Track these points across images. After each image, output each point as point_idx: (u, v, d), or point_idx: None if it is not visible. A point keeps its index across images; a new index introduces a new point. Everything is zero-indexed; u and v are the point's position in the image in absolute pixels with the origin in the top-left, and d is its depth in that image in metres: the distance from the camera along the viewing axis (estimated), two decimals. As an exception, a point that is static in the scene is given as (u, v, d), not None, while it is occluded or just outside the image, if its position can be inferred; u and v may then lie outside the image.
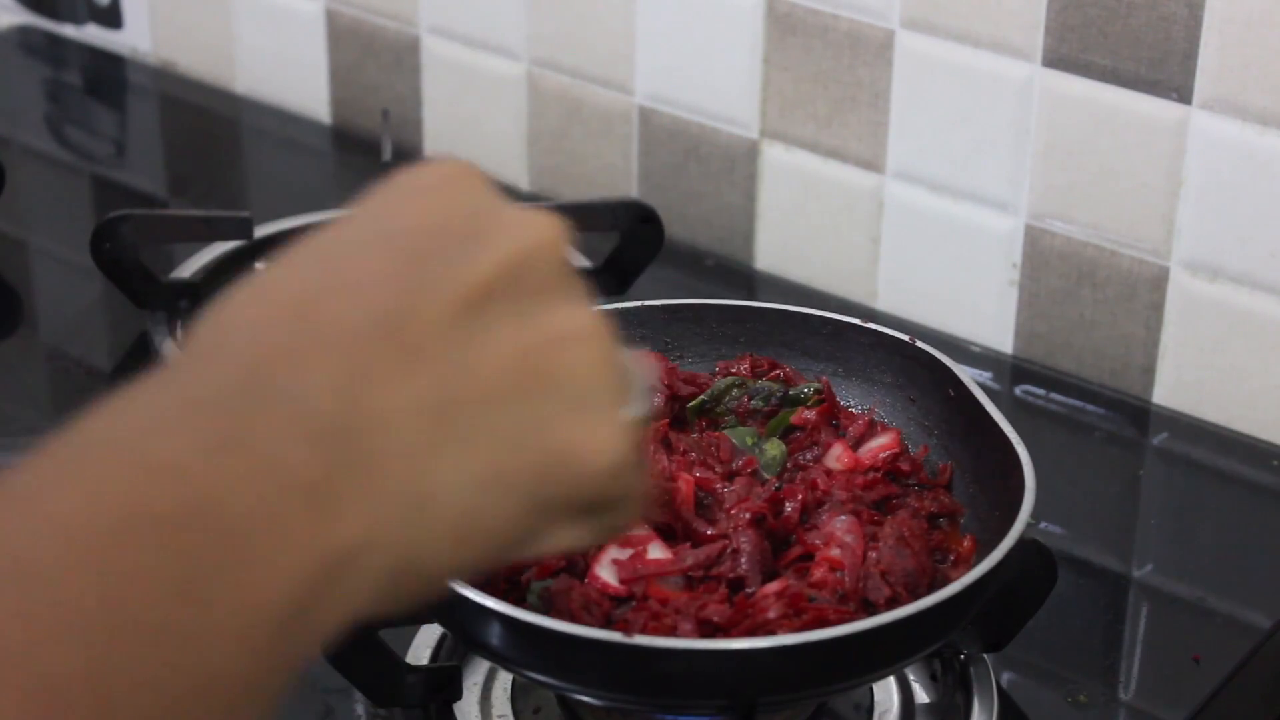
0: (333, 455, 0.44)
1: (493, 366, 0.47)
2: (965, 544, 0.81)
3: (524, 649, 0.73)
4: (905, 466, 0.84)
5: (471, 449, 0.47)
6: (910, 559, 0.77)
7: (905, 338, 0.88)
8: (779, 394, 0.87)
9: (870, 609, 0.75)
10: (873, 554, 0.77)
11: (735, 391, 0.87)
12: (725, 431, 0.85)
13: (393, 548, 0.45)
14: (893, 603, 0.75)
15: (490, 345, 0.47)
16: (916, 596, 0.75)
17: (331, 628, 0.45)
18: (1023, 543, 0.79)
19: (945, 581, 0.77)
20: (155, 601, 0.40)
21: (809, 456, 0.85)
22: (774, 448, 0.84)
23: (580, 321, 0.49)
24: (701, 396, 0.87)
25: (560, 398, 0.48)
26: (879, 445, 0.85)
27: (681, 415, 0.87)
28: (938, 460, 0.86)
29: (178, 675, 0.40)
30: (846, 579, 0.76)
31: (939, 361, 0.87)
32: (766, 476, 0.83)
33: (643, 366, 0.54)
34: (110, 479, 0.42)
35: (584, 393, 0.49)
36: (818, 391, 0.87)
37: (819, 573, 0.77)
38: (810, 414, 0.86)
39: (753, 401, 0.87)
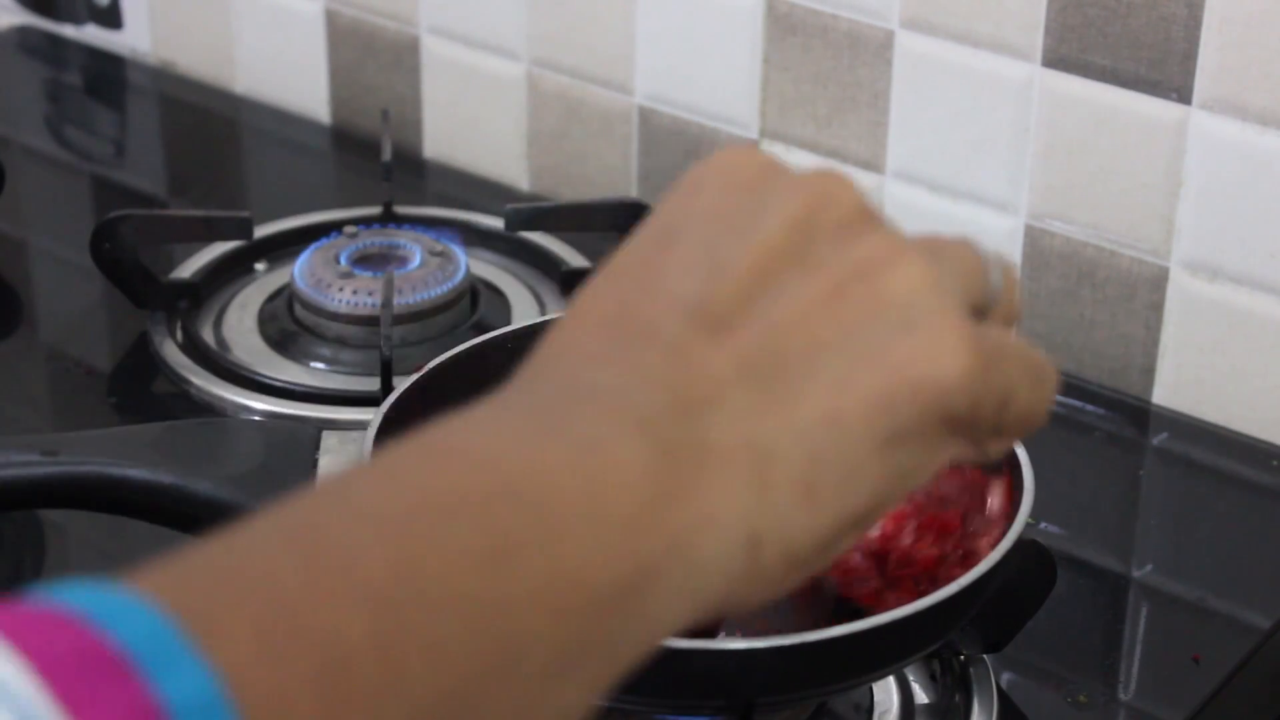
0: (659, 441, 0.44)
1: (804, 315, 0.47)
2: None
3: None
4: None
5: (801, 399, 0.46)
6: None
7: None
8: None
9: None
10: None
11: None
12: None
13: (738, 522, 0.44)
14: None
15: (797, 298, 0.47)
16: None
17: (678, 615, 0.44)
18: (1022, 543, 0.79)
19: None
20: (452, 570, 0.40)
21: None
22: None
23: (883, 248, 0.48)
24: None
25: (881, 324, 0.47)
26: None
27: None
28: None
29: (476, 642, 0.39)
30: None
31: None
32: None
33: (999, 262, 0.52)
34: (419, 470, 0.42)
35: (907, 311, 0.47)
36: None
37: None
38: None
39: None
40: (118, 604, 0.37)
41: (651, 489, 0.43)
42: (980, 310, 0.51)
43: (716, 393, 0.45)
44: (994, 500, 0.80)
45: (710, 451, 0.44)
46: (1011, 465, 0.80)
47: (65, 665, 0.35)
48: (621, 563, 0.42)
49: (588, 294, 0.49)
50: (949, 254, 0.50)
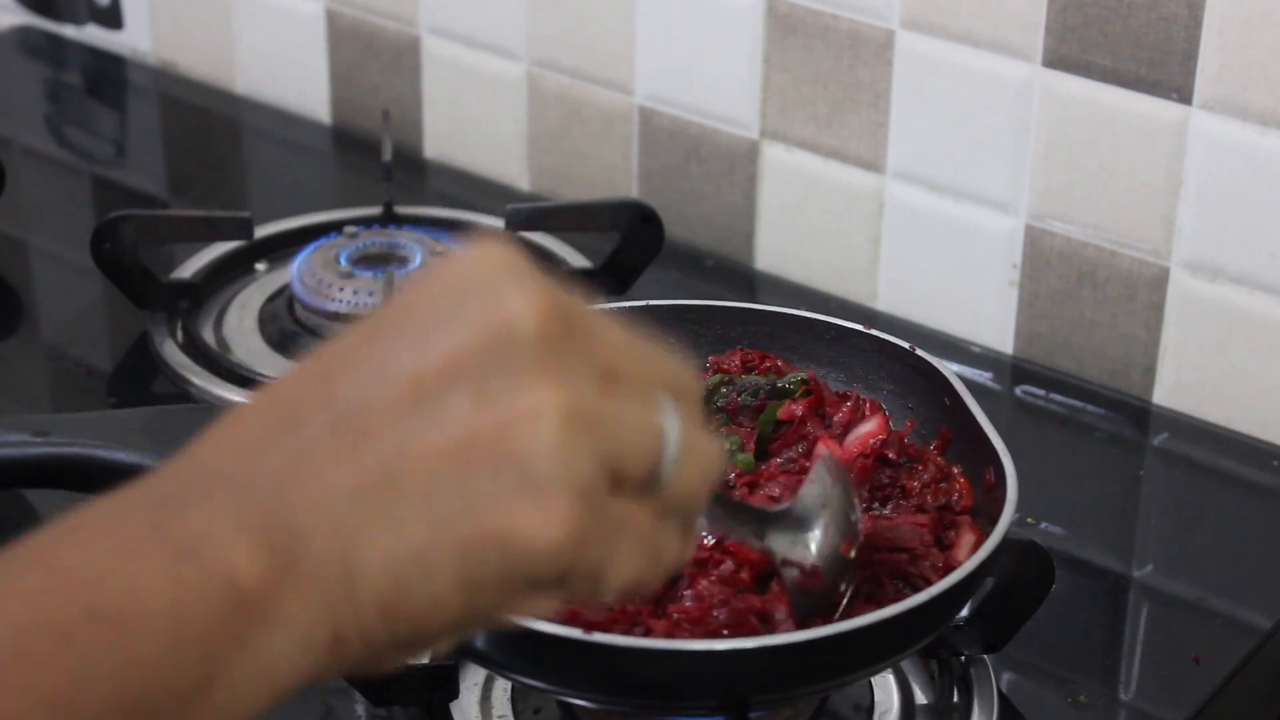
0: (261, 543, 0.46)
1: (435, 448, 0.47)
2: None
3: (511, 653, 0.73)
4: (893, 454, 0.84)
5: (400, 529, 0.47)
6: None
7: (906, 345, 0.88)
8: (766, 388, 0.87)
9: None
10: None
11: (724, 389, 0.86)
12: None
13: (316, 626, 0.47)
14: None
15: (437, 427, 0.47)
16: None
17: (256, 698, 0.46)
18: (1019, 544, 0.79)
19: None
20: (35, 714, 0.42)
21: (798, 451, 0.85)
22: (743, 461, 0.84)
23: (540, 400, 0.48)
24: None
25: (498, 477, 0.48)
26: (866, 433, 0.84)
27: None
28: (928, 435, 0.86)
29: None
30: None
31: (936, 370, 0.87)
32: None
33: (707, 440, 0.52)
34: (10, 591, 0.44)
35: (524, 473, 0.47)
36: (804, 382, 0.87)
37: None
38: (797, 407, 0.86)
39: (741, 397, 0.86)
40: None
41: (239, 596, 0.45)
42: (641, 485, 0.50)
43: (326, 503, 0.47)
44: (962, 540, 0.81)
45: (305, 562, 0.46)
46: (995, 463, 0.80)
47: None
48: (192, 675, 0.45)
49: (284, 377, 0.50)
50: (620, 427, 0.49)
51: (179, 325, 1.11)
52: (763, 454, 0.85)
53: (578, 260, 1.17)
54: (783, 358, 0.90)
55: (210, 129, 1.43)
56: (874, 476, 0.83)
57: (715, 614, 0.74)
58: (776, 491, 0.81)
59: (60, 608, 0.43)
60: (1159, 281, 1.07)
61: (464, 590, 0.48)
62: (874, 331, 0.90)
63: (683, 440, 0.51)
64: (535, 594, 0.49)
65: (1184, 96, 1.02)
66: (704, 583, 0.76)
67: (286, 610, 0.46)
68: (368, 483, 0.47)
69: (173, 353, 1.08)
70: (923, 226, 1.14)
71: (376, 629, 0.48)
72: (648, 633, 0.73)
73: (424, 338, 0.48)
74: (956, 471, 0.83)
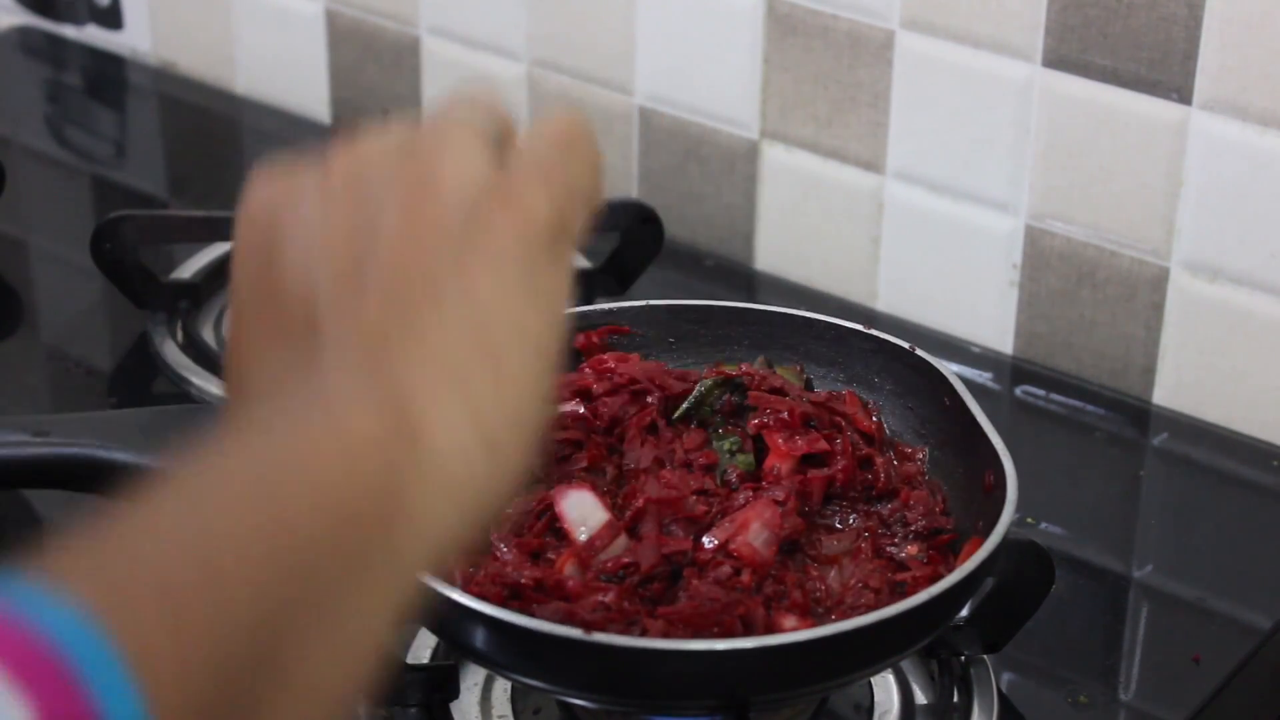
0: (375, 403, 0.50)
1: (399, 246, 0.53)
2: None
3: (511, 653, 0.73)
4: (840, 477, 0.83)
5: (439, 303, 0.52)
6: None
7: (906, 345, 0.88)
8: (738, 384, 0.87)
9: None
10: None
11: (717, 391, 0.86)
12: (713, 441, 0.85)
13: (464, 429, 0.51)
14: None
15: (385, 237, 0.53)
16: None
17: (445, 520, 0.50)
18: (1019, 544, 0.79)
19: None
20: (256, 538, 0.46)
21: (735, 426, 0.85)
22: (744, 462, 0.84)
23: (416, 168, 0.54)
24: (685, 404, 0.85)
25: (457, 216, 0.53)
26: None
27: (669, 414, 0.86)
28: (929, 435, 0.87)
29: (279, 571, 0.46)
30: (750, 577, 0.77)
31: (936, 370, 0.87)
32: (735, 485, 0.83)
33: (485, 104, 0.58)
34: (218, 484, 0.48)
35: (466, 196, 0.53)
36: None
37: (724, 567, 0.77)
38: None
39: (734, 397, 0.86)
40: (57, 612, 0.40)
41: (390, 441, 0.49)
42: (499, 145, 0.56)
43: (390, 347, 0.51)
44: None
45: (416, 392, 0.50)
46: (995, 464, 0.80)
47: (22, 669, 0.39)
48: (377, 479, 0.49)
49: (232, 336, 0.56)
50: (448, 135, 0.55)
51: (179, 325, 1.11)
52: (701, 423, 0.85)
53: (578, 260, 1.17)
54: (782, 357, 0.90)
55: (210, 129, 1.43)
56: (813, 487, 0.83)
57: (711, 617, 0.74)
58: (780, 495, 0.81)
59: (260, 477, 0.48)
60: (1159, 281, 1.07)
61: (523, 292, 0.53)
62: (874, 331, 0.90)
63: (461, 110, 0.57)
64: (562, 243, 0.55)
65: (1184, 97, 1.02)
66: (700, 584, 0.76)
67: (433, 438, 0.50)
68: (400, 312, 0.52)
69: (173, 353, 1.08)
70: (923, 226, 1.14)
71: (495, 386, 0.52)
72: (644, 633, 0.74)
73: (303, 224, 0.55)
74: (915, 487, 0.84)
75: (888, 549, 0.81)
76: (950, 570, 0.78)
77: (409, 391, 0.50)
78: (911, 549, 0.81)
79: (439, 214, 0.53)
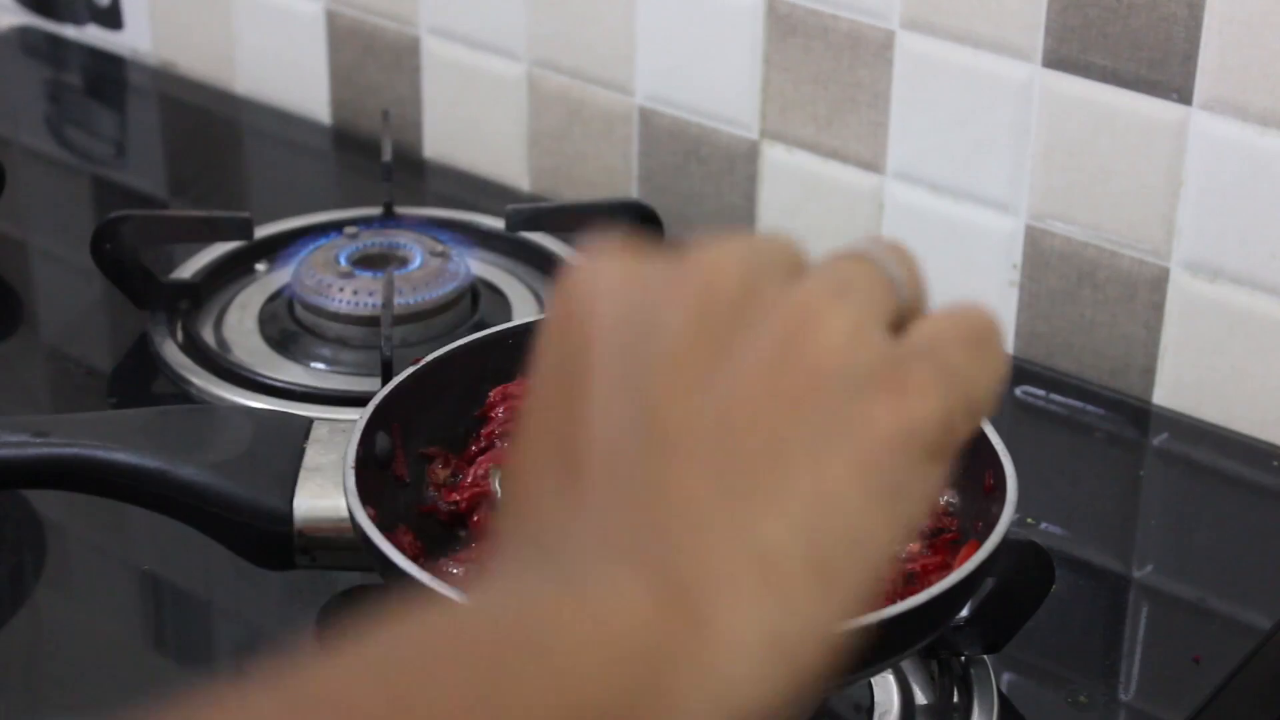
0: (657, 576, 0.42)
1: (748, 407, 0.44)
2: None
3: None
4: None
5: (782, 491, 0.44)
6: None
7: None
8: None
9: None
10: None
11: None
12: None
13: (760, 634, 0.42)
14: None
15: (733, 390, 0.44)
16: None
17: None
18: (1019, 544, 0.79)
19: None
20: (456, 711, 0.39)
21: None
22: None
23: (795, 314, 0.45)
24: None
25: (828, 395, 0.44)
26: None
27: None
28: None
29: None
30: None
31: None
32: None
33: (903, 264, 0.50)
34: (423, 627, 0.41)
35: (848, 371, 0.45)
36: None
37: None
38: None
39: None
40: None
41: (662, 625, 0.41)
42: (901, 316, 0.49)
43: (696, 513, 0.43)
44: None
45: (711, 573, 0.42)
46: (995, 464, 0.80)
47: None
48: (640, 673, 0.41)
49: (514, 463, 0.47)
50: (852, 282, 0.47)
51: (179, 325, 1.11)
52: None
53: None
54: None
55: (210, 129, 1.43)
56: None
57: None
58: None
59: (477, 635, 0.40)
60: (1159, 281, 1.07)
61: (880, 504, 0.44)
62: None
63: (881, 252, 0.49)
64: (938, 460, 0.46)
65: (1184, 96, 1.02)
66: None
67: (722, 630, 0.42)
68: (718, 472, 0.43)
69: (173, 353, 1.08)
70: (923, 227, 1.14)
71: (815, 600, 0.43)
72: None
73: (642, 337, 0.45)
74: None
75: None
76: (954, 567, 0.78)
77: (700, 573, 0.42)
78: (913, 546, 0.81)
79: (816, 376, 0.45)
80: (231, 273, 1.17)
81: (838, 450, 0.44)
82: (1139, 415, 1.09)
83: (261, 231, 1.18)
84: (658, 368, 0.44)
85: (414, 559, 0.75)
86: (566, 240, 1.19)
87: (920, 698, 0.85)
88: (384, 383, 0.99)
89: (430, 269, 1.11)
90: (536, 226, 1.17)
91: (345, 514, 0.78)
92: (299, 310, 1.11)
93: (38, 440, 0.82)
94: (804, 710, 0.81)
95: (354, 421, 0.82)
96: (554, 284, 0.47)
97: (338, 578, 0.90)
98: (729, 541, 0.43)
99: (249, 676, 0.39)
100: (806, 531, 0.43)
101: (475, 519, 0.85)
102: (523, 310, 1.13)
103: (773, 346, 0.45)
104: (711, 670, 0.42)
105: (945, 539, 0.82)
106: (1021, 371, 1.12)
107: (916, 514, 0.46)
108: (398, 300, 1.06)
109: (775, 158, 1.19)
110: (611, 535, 0.43)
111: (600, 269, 0.47)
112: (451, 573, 0.79)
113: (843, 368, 0.45)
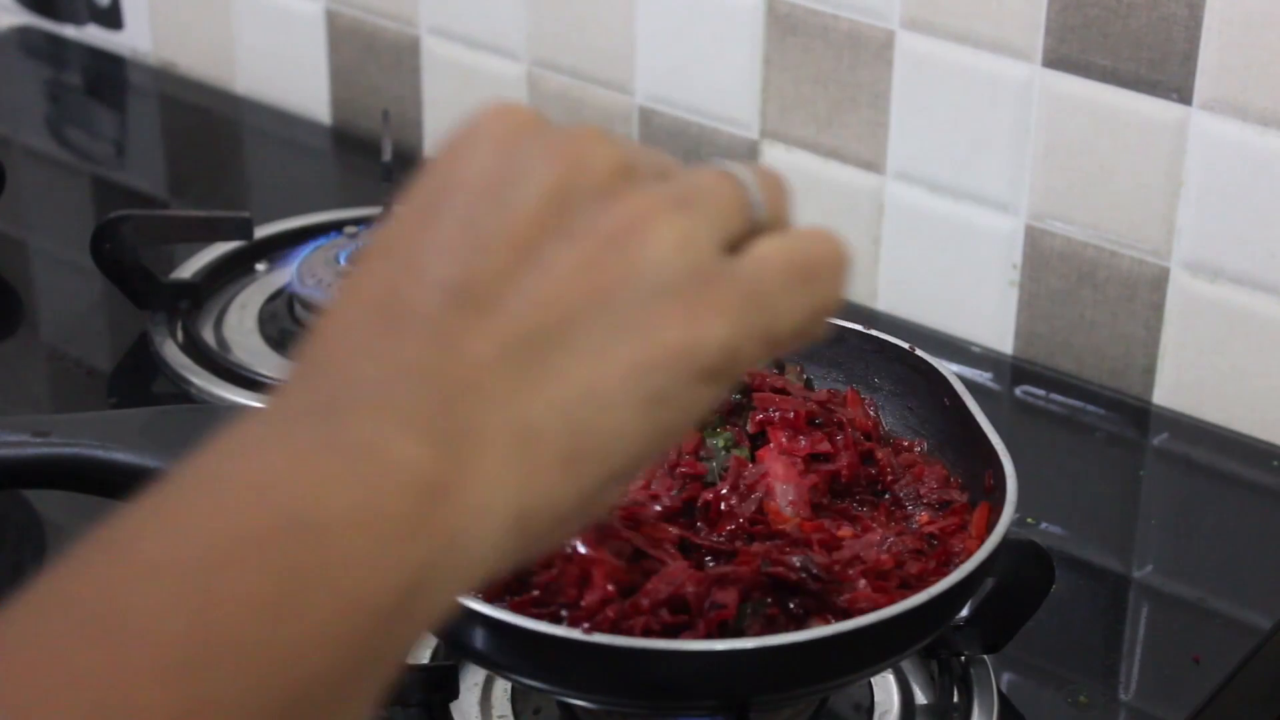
0: (428, 434, 0.44)
1: (560, 289, 0.47)
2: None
3: (511, 653, 0.73)
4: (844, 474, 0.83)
5: (561, 374, 0.47)
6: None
7: (906, 346, 0.88)
8: (740, 385, 0.87)
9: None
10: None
11: None
12: (705, 434, 0.85)
13: (506, 505, 0.45)
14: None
15: (553, 271, 0.47)
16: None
17: (450, 603, 0.45)
18: (1019, 544, 0.79)
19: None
20: (246, 622, 0.40)
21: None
22: (742, 452, 0.84)
23: (636, 211, 0.48)
24: None
25: (635, 292, 0.47)
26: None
27: None
28: (929, 436, 0.86)
29: (272, 690, 0.40)
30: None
31: (936, 370, 0.87)
32: (713, 480, 0.83)
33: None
34: (198, 510, 0.42)
35: (659, 277, 0.48)
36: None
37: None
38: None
39: (735, 396, 0.86)
40: None
41: (425, 488, 0.44)
42: (748, 233, 0.51)
43: (478, 377, 0.46)
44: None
45: (477, 438, 0.45)
46: (995, 464, 0.80)
47: None
48: (402, 573, 0.43)
49: (354, 278, 0.49)
50: (704, 196, 0.50)
51: (179, 325, 1.11)
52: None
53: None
54: (782, 358, 0.90)
55: (210, 129, 1.43)
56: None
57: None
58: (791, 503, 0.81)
59: (255, 518, 0.42)
60: (1159, 281, 1.07)
61: (642, 412, 0.47)
62: (874, 331, 0.90)
63: (749, 174, 0.52)
64: (710, 386, 0.49)
65: (1184, 96, 1.02)
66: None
67: (473, 494, 0.45)
68: (511, 344, 0.47)
69: (173, 353, 1.08)
70: (923, 226, 1.14)
71: (563, 486, 0.47)
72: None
73: (496, 198, 0.48)
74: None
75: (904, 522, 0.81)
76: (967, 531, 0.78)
77: (467, 436, 0.45)
78: (923, 517, 0.81)
79: (627, 277, 0.48)
80: (231, 273, 1.17)
81: (619, 350, 0.47)
82: (1139, 415, 1.09)
83: (261, 231, 1.18)
84: (497, 231, 0.48)
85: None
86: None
87: (920, 698, 0.85)
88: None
89: (430, 269, 1.11)
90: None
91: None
92: (299, 310, 1.11)
93: (38, 440, 0.82)
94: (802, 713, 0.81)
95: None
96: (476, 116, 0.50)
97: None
98: (498, 412, 0.46)
99: (51, 590, 0.40)
100: (569, 421, 0.46)
101: None
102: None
103: (602, 239, 0.48)
104: (460, 540, 0.44)
105: (957, 508, 0.82)
106: (1021, 371, 1.12)
107: (679, 427, 0.48)
108: (398, 300, 1.06)
109: (775, 157, 1.19)
110: (396, 393, 0.45)
111: (495, 118, 0.50)
112: None
113: (654, 274, 0.47)
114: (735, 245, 0.50)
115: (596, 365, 0.47)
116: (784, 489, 0.79)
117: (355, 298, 0.48)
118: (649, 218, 0.48)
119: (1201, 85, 1.02)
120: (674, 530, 0.77)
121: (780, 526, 0.78)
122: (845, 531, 0.78)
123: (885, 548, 0.77)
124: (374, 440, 0.44)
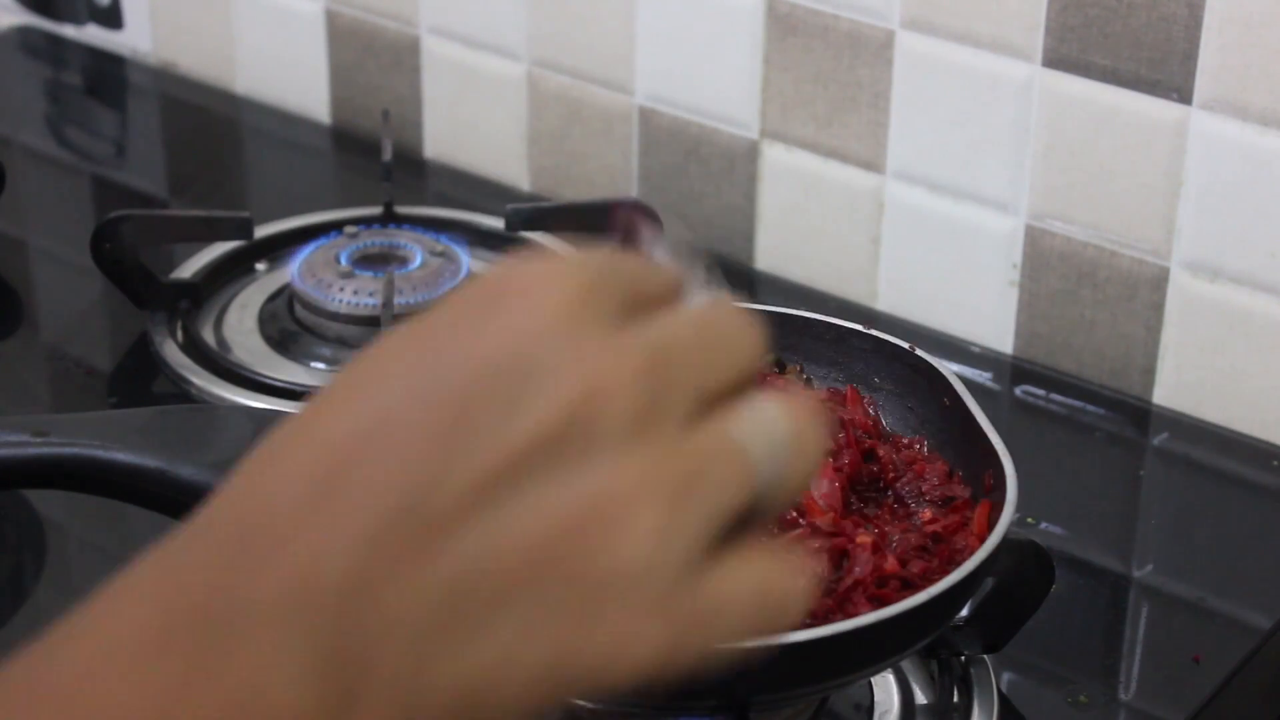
0: (319, 686, 0.41)
1: (511, 550, 0.42)
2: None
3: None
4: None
5: (477, 645, 0.42)
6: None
7: (906, 345, 0.88)
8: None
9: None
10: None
11: None
12: None
13: None
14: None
15: (514, 526, 0.42)
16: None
17: None
18: (1019, 544, 0.79)
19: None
20: None
21: None
22: None
23: (623, 491, 0.42)
24: None
25: (586, 585, 0.42)
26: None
27: None
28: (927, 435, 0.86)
29: None
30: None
31: (936, 370, 0.87)
32: None
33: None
34: None
35: (617, 579, 0.42)
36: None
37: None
38: None
39: None
40: None
41: (311, 702, 0.41)
42: (750, 513, 0.45)
43: (391, 630, 0.41)
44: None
45: (367, 700, 0.41)
46: (995, 464, 0.80)
47: None
48: None
49: (316, 412, 0.44)
50: (709, 479, 0.44)
51: (179, 325, 1.11)
52: None
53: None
54: (782, 357, 0.90)
55: (210, 129, 1.43)
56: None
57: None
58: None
59: None
60: (1159, 281, 1.07)
61: (550, 694, 0.43)
62: (874, 331, 0.90)
63: (774, 448, 0.45)
64: (632, 681, 0.45)
65: (1184, 96, 1.02)
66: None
67: None
68: (445, 592, 0.42)
69: (173, 353, 1.08)
70: (923, 226, 1.14)
71: None
72: None
73: (490, 408, 0.42)
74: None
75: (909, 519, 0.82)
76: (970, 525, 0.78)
77: (367, 692, 0.41)
78: (926, 514, 0.81)
79: (591, 564, 0.42)
80: (231, 273, 1.17)
81: (545, 635, 0.42)
82: (1139, 415, 1.09)
83: (261, 231, 1.18)
84: (477, 450, 0.42)
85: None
86: (566, 240, 1.19)
87: (920, 698, 0.85)
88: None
89: (430, 269, 1.11)
90: (536, 226, 1.17)
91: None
92: (299, 310, 1.11)
93: (38, 440, 0.82)
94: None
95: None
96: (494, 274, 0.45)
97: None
98: (404, 662, 0.42)
99: None
100: (468, 698, 0.42)
101: None
102: (523, 310, 1.13)
103: (577, 513, 0.42)
104: None
105: (959, 504, 0.81)
106: (1021, 371, 1.12)
107: (570, 699, 0.44)
108: (398, 300, 1.06)
109: (775, 157, 1.19)
110: (303, 618, 0.41)
111: (544, 282, 0.44)
112: None
113: (613, 571, 0.42)
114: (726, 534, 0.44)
115: (516, 647, 0.42)
116: (819, 483, 0.79)
117: (308, 451, 0.43)
118: (635, 504, 0.42)
119: (1201, 85, 1.02)
120: None
121: (815, 520, 0.78)
122: (864, 539, 0.77)
123: (891, 547, 0.78)
124: (258, 683, 0.41)
